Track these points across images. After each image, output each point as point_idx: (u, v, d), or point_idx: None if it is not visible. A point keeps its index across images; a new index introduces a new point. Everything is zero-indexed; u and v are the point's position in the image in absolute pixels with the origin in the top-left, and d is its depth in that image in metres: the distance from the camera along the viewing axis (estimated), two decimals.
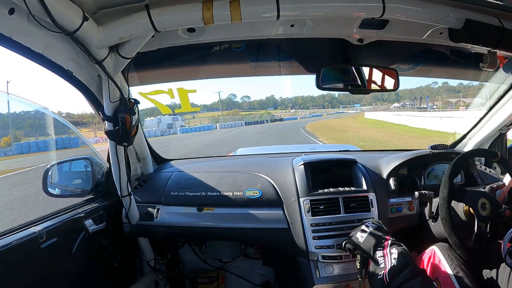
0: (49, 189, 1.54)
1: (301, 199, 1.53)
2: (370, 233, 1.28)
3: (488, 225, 1.28)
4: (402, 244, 1.19)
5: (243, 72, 1.83)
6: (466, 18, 1.12)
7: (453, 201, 1.33)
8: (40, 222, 1.26)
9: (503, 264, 1.20)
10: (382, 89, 1.57)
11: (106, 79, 1.22)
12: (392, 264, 1.13)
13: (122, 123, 1.28)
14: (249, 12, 1.04)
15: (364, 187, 1.59)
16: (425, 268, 1.37)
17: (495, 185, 1.46)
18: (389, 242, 1.20)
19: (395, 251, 1.16)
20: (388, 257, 1.15)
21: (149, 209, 1.61)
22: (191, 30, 1.23)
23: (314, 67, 1.52)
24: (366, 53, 1.52)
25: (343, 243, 1.39)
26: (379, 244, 1.22)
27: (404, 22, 1.21)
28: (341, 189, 1.58)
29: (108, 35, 1.08)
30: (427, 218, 1.52)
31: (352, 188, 1.60)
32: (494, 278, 1.24)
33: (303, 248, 1.47)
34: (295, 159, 1.76)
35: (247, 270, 2.05)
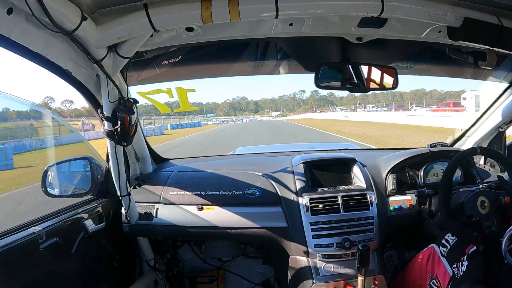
0: (48, 189, 1.53)
1: (300, 198, 1.53)
2: (450, 249, 1.29)
3: (494, 220, 1.30)
4: (476, 256, 1.21)
5: (242, 71, 1.84)
6: (465, 16, 1.12)
7: None
8: (40, 222, 1.26)
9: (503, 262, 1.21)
10: (381, 87, 1.57)
11: (105, 79, 1.22)
12: (457, 276, 1.18)
13: (121, 122, 1.28)
14: (248, 11, 1.04)
15: (364, 185, 1.59)
16: (424, 265, 1.37)
17: (494, 184, 1.46)
18: (465, 257, 1.22)
19: (466, 263, 1.19)
20: (460, 269, 1.20)
21: (149, 208, 1.61)
22: (189, 29, 1.23)
23: (313, 66, 1.52)
24: (365, 52, 1.52)
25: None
26: (456, 259, 1.25)
27: (403, 21, 1.21)
28: (340, 187, 1.59)
29: (107, 35, 1.07)
30: (426, 216, 1.52)
31: (351, 187, 1.60)
32: (494, 276, 1.24)
33: (302, 247, 1.47)
34: (294, 158, 1.76)
35: (247, 269, 2.05)
